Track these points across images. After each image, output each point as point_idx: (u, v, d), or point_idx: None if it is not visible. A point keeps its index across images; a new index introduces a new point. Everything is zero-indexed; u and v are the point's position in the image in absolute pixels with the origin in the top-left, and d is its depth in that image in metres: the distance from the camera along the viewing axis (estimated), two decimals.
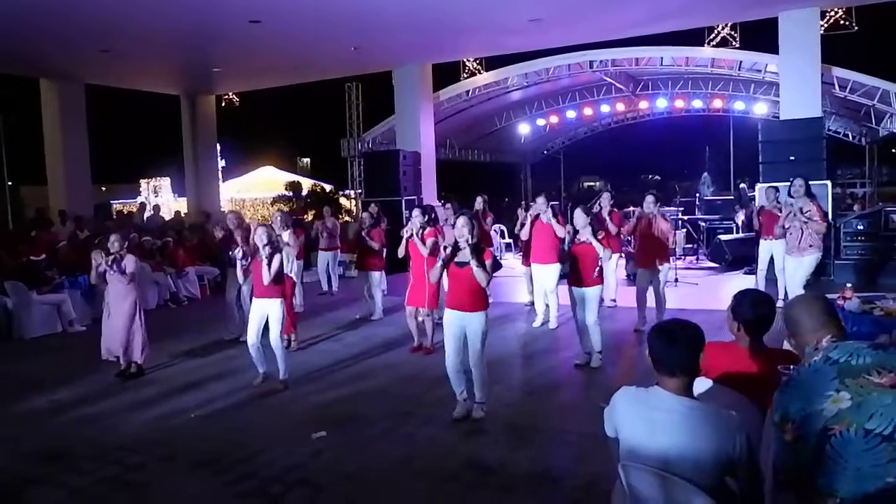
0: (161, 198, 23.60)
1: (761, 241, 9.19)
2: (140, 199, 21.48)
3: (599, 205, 9.48)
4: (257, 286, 6.39)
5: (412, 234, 7.24)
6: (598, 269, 6.58)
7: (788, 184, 8.10)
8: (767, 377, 2.95)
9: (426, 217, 7.47)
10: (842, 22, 14.16)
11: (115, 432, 5.37)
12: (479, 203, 9.79)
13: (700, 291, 10.50)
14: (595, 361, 6.65)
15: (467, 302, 5.17)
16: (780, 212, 8.35)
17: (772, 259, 8.90)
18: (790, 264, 7.88)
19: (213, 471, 4.57)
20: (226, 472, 4.54)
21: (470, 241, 5.11)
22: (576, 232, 6.70)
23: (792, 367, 2.98)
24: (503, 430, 5.10)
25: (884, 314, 4.64)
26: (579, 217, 6.63)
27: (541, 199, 8.22)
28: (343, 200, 23.70)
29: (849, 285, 5.15)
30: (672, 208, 15.50)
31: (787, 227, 7.81)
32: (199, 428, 5.44)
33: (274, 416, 5.66)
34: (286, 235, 8.05)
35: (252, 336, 6.37)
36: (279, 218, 8.44)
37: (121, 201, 24.69)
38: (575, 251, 6.68)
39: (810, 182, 8.08)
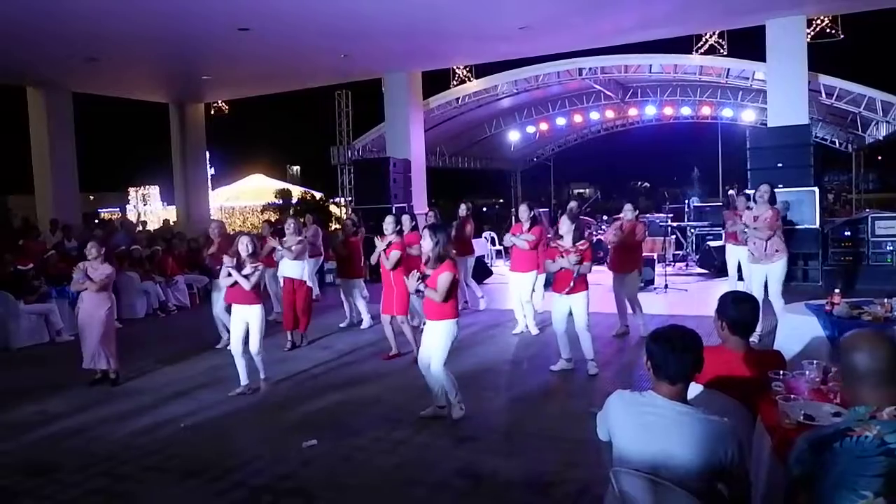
0: (149, 206, 23.60)
1: (727, 246, 9.29)
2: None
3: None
4: (235, 292, 6.34)
5: (388, 245, 7.27)
6: (584, 273, 6.48)
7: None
8: (757, 381, 2.97)
9: (397, 225, 7.46)
10: (828, 30, 14.33)
11: (104, 442, 5.32)
12: (462, 210, 9.81)
13: (689, 297, 10.54)
14: (591, 369, 6.60)
15: (428, 311, 5.41)
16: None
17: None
18: (758, 274, 7.25)
19: (203, 480, 4.53)
20: (216, 481, 4.51)
21: (431, 256, 5.28)
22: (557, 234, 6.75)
23: (782, 372, 3.01)
24: (494, 437, 5.08)
25: (872, 319, 4.67)
26: (563, 224, 6.64)
27: (523, 207, 8.30)
28: (333, 208, 23.70)
29: (837, 290, 5.15)
30: (661, 215, 15.58)
31: (744, 232, 7.36)
32: (189, 437, 5.39)
33: (264, 424, 5.63)
34: (294, 241, 8.32)
35: (236, 345, 6.33)
36: (292, 225, 8.69)
37: (109, 210, 24.60)
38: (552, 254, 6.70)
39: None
